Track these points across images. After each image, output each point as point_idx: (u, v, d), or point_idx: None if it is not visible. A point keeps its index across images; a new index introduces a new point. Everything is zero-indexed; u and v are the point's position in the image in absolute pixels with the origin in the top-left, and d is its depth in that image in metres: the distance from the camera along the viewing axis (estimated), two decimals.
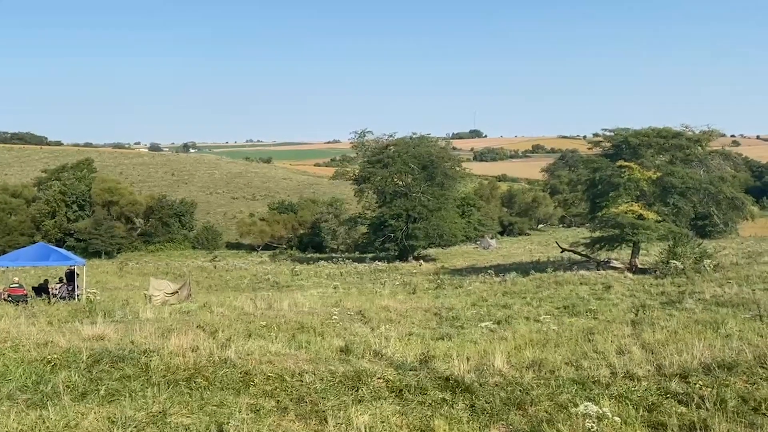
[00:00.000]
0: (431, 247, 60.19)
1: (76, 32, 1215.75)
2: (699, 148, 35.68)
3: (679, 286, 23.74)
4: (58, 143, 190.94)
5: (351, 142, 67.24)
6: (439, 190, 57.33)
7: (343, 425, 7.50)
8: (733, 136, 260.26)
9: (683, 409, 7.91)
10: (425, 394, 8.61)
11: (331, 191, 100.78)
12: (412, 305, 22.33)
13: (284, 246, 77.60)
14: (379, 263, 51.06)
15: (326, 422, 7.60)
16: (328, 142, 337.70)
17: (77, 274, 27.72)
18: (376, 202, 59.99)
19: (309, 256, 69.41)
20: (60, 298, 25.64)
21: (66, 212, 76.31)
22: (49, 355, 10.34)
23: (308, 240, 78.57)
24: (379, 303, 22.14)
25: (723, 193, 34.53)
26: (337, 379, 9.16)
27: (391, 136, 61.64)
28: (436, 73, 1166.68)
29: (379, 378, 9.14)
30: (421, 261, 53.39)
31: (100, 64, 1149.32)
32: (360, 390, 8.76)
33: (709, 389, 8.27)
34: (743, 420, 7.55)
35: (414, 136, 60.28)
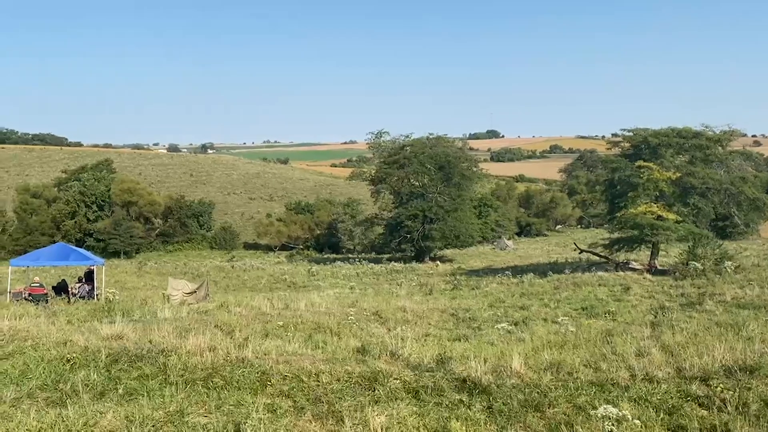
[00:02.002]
0: (448, 248, 60.00)
1: (96, 34, 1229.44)
2: (719, 148, 35.25)
3: (699, 288, 23.45)
4: (78, 144, 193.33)
5: (367, 143, 67.28)
6: (456, 191, 57.12)
7: (360, 426, 7.48)
8: (754, 136, 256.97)
9: (704, 412, 7.81)
10: (442, 395, 8.57)
11: (348, 192, 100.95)
12: (428, 306, 22.28)
13: (301, 246, 77.83)
14: (396, 264, 51.03)
15: (343, 423, 7.59)
16: (345, 143, 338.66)
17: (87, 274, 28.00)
18: (393, 203, 59.94)
19: (325, 256, 69.54)
20: (80, 297, 25.92)
21: (86, 212, 77.08)
22: (68, 354, 10.43)
23: (325, 240, 78.72)
24: (395, 304, 22.12)
25: (744, 193, 34.10)
26: (353, 380, 9.14)
27: (407, 136, 61.61)
28: (453, 73, 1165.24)
29: (395, 379, 9.12)
30: (438, 262, 53.26)
31: (120, 66, 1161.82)
32: (376, 391, 8.74)
33: (731, 392, 8.14)
34: (766, 424, 7.43)
35: (430, 137, 60.12)
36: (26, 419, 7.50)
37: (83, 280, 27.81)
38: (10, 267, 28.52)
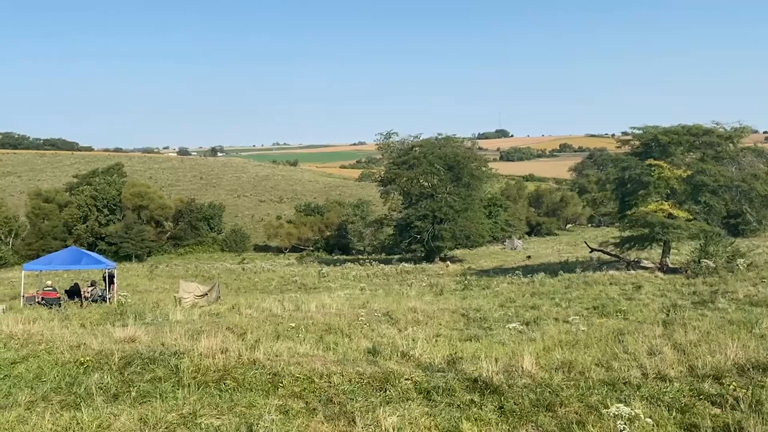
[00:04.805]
0: (458, 248, 59.92)
1: (105, 38, 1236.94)
2: (731, 145, 35.01)
3: (711, 286, 23.33)
4: (89, 149, 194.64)
5: (376, 144, 67.20)
6: (466, 191, 57.02)
7: (372, 426, 7.50)
8: (765, 132, 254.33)
9: (717, 410, 7.77)
10: (453, 395, 8.57)
11: (357, 193, 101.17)
12: (439, 306, 22.26)
13: (311, 248, 77.98)
14: (406, 264, 51.00)
15: (355, 423, 7.60)
16: (354, 144, 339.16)
17: (103, 278, 28.19)
18: (402, 204, 59.90)
19: (336, 257, 69.63)
20: (92, 301, 26.10)
21: (97, 216, 77.59)
22: (82, 357, 10.52)
23: (335, 242, 78.85)
24: (406, 304, 22.11)
25: (756, 190, 33.84)
26: (365, 381, 9.16)
27: (416, 137, 61.52)
28: (462, 73, 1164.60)
29: (406, 379, 9.13)
30: (448, 262, 53.19)
31: (129, 70, 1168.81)
32: (388, 391, 8.76)
33: (744, 390, 8.10)
34: None
35: (439, 137, 60.05)
36: (41, 422, 7.58)
37: (93, 283, 28.04)
38: (23, 271, 28.80)
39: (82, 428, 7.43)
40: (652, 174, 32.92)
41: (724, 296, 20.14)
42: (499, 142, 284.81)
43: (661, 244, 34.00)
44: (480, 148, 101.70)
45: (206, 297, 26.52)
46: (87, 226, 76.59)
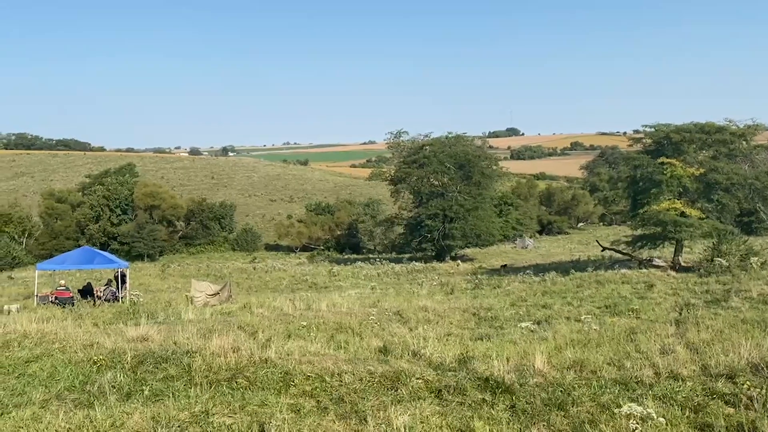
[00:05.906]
0: (468, 247, 59.84)
1: (115, 39, 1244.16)
2: (743, 142, 34.72)
3: (724, 285, 23.15)
4: (101, 149, 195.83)
5: (387, 143, 67.20)
6: (476, 190, 56.90)
7: (383, 425, 7.50)
8: None
9: (731, 410, 7.70)
10: (465, 394, 8.56)
11: (368, 192, 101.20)
12: (450, 305, 22.24)
13: (322, 247, 78.10)
14: (417, 263, 50.96)
15: (366, 422, 7.61)
16: (364, 144, 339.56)
17: (115, 277, 28.38)
18: (413, 203, 59.87)
19: (346, 257, 69.69)
20: (105, 300, 26.28)
21: (109, 216, 78.09)
22: (95, 356, 10.59)
23: (345, 241, 78.94)
24: (416, 303, 22.11)
25: None
26: (376, 380, 9.16)
27: (426, 136, 61.46)
28: (472, 72, 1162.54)
29: (418, 378, 9.12)
30: (459, 261, 53.08)
31: (141, 70, 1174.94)
32: (399, 390, 8.76)
33: (758, 390, 8.02)
34: None
35: (450, 136, 59.92)
36: (55, 420, 7.64)
37: (109, 283, 28.25)
38: (36, 271, 29.05)
39: (95, 426, 7.48)
40: (665, 172, 32.72)
41: (738, 295, 19.99)
42: (510, 141, 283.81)
43: (674, 242, 33.79)
44: (490, 147, 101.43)
45: (218, 296, 26.64)
46: (99, 226, 77.12)
